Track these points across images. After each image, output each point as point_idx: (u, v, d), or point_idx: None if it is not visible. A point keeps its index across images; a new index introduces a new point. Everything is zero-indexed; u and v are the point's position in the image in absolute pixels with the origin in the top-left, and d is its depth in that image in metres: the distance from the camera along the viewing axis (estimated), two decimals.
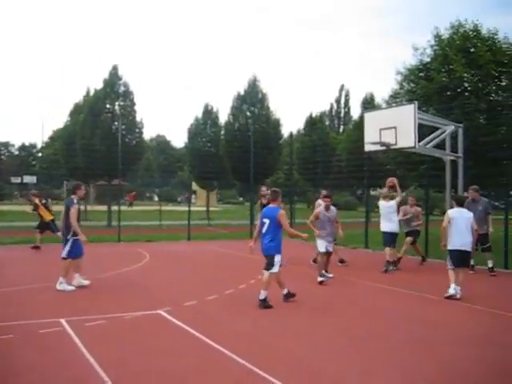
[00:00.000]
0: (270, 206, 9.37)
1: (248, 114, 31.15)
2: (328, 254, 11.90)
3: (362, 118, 35.62)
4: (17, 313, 8.23)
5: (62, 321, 7.59)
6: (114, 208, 26.56)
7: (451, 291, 9.66)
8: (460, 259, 9.82)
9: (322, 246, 11.72)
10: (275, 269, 8.97)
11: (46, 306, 8.87)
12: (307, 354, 6.34)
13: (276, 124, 31.58)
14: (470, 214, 10.02)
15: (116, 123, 27.86)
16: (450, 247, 9.88)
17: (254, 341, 6.96)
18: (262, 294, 8.84)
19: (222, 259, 15.93)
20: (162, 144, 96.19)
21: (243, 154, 29.38)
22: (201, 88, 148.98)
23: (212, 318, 8.12)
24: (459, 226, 9.80)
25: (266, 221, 9.04)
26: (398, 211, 13.74)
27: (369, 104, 36.19)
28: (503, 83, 19.82)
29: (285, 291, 9.38)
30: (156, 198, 66.02)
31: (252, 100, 31.11)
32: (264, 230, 9.05)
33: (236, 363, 5.91)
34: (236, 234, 23.35)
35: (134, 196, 54.94)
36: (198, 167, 32.43)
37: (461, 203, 10.25)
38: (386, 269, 12.98)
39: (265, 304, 8.79)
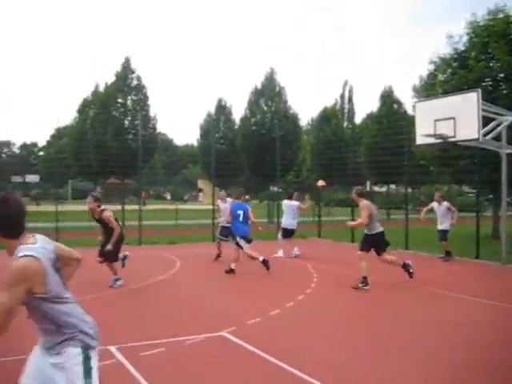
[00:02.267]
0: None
1: (265, 108, 29.84)
2: None
3: (380, 111, 34.61)
4: None
5: (113, 349, 6.27)
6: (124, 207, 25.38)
7: None
8: None
9: None
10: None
11: None
12: None
13: (294, 118, 30.30)
14: None
15: (129, 118, 26.64)
16: None
17: (344, 367, 5.69)
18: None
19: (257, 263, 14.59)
20: (164, 142, 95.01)
21: (260, 150, 28.23)
22: (212, 83, 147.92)
23: (286, 340, 6.81)
24: None
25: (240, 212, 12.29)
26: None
27: (388, 97, 34.75)
28: None
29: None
30: (169, 197, 64.81)
31: (269, 94, 29.80)
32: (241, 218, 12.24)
33: None
34: (260, 234, 21.99)
35: (146, 194, 53.79)
36: (211, 164, 31.18)
37: None
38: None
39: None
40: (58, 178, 26.68)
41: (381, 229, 10.49)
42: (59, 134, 73.78)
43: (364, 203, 10.42)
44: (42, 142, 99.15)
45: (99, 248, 10.69)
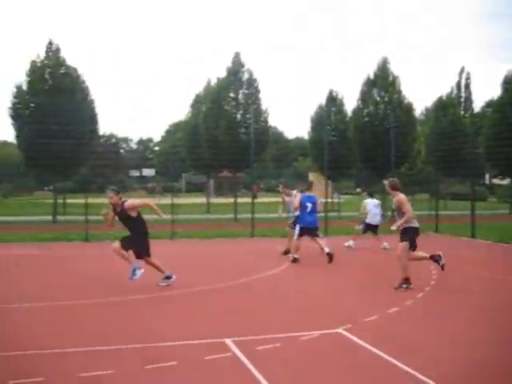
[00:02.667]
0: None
1: (378, 98, 28.97)
2: None
3: (502, 99, 32.46)
4: (175, 328, 7.00)
5: (228, 342, 6.22)
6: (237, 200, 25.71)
7: None
8: None
9: None
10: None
11: (203, 320, 7.55)
12: None
13: (409, 108, 29.15)
14: None
15: (241, 112, 26.92)
16: None
17: (469, 370, 5.23)
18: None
19: (376, 258, 14.15)
20: (275, 135, 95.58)
21: (373, 141, 27.46)
22: (323, 74, 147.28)
23: (405, 339, 6.44)
24: None
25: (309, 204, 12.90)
26: None
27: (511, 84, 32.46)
28: None
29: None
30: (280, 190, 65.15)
31: (382, 84, 28.87)
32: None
33: None
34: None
35: (258, 187, 54.39)
36: (322, 156, 30.85)
37: None
38: None
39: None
40: (173, 172, 27.40)
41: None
42: (173, 129, 76.36)
43: (401, 196, 9.69)
44: (157, 138, 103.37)
45: (124, 240, 9.45)
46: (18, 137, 26.75)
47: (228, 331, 6.70)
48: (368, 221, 15.95)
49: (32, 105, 25.89)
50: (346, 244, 15.95)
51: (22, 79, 26.31)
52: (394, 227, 9.66)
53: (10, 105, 26.06)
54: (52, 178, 29.29)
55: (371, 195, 16.61)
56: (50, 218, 24.85)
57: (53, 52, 26.79)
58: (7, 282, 10.53)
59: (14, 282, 10.55)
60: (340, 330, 6.75)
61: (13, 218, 25.74)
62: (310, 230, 13.05)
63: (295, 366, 5.52)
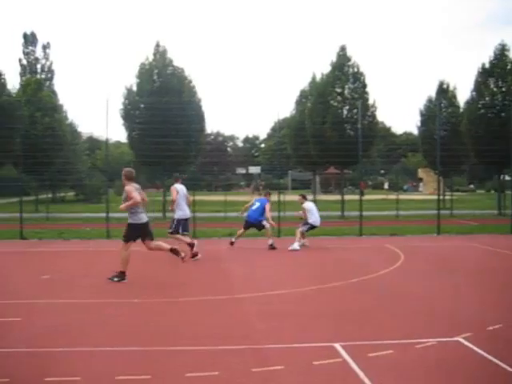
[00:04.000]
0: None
1: (495, 89, 27.26)
2: None
3: None
4: (282, 329, 6.77)
5: (338, 346, 5.88)
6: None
7: None
8: None
9: None
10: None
11: (313, 322, 7.23)
12: None
13: None
14: None
15: (347, 107, 26.36)
16: None
17: None
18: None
19: (488, 260, 13.21)
20: (382, 130, 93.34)
21: (489, 135, 25.91)
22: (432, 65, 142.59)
23: None
24: None
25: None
26: None
27: None
28: None
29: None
30: (387, 186, 63.74)
31: (500, 73, 27.13)
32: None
33: None
34: (489, 227, 20.19)
35: (365, 184, 53.39)
36: (432, 152, 29.55)
37: None
38: None
39: None
40: (278, 169, 27.37)
41: None
42: (279, 126, 76.18)
43: None
44: (263, 135, 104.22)
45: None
46: (128, 136, 27.83)
47: (338, 335, 6.37)
48: None
49: (141, 105, 26.84)
50: None
51: (132, 81, 27.42)
52: None
53: (121, 106, 27.17)
54: (161, 176, 30.17)
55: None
56: (160, 214, 25.51)
57: (160, 53, 27.62)
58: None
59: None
60: (459, 339, 6.20)
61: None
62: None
63: (409, 377, 5.09)
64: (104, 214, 18.26)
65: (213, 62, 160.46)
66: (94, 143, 63.06)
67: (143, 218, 9.87)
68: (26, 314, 7.43)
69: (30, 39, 54.59)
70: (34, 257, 13.96)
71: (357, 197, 20.97)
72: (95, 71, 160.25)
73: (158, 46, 27.66)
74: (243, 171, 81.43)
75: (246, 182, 73.52)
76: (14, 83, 36.78)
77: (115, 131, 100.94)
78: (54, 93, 42.10)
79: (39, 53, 54.47)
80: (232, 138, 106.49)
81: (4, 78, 31.81)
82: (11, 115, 28.91)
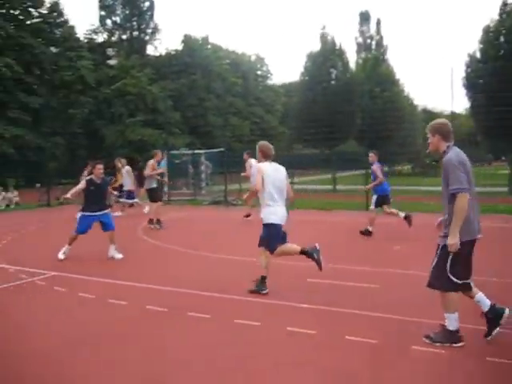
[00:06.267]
0: None
1: None
2: None
3: None
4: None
5: None
6: None
7: None
8: None
9: None
10: None
11: None
12: None
13: None
14: None
15: None
16: None
17: None
18: None
19: None
20: None
21: None
22: None
23: None
24: None
25: None
26: None
27: None
28: None
29: None
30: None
31: None
32: None
33: None
34: None
35: None
36: None
37: None
38: None
39: None
40: None
41: None
42: None
43: None
44: None
45: None
46: (471, 107, 26.49)
47: None
48: None
49: (485, 72, 25.12)
50: None
51: (475, 47, 25.91)
52: None
53: (463, 75, 25.96)
54: (507, 148, 28.03)
55: None
56: (505, 189, 23.56)
57: (507, 13, 25.23)
58: None
59: None
60: None
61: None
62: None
63: None
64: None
65: None
66: (428, 115, 62.27)
67: None
68: (382, 282, 7.61)
69: (365, 17, 57.26)
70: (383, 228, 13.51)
71: None
72: (430, 43, 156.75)
73: (505, 4, 25.40)
74: None
75: None
76: (351, 61, 38.46)
77: (448, 102, 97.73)
78: (389, 67, 42.80)
79: (372, 30, 56.63)
80: None
81: (346, 57, 33.49)
82: (353, 91, 30.30)
